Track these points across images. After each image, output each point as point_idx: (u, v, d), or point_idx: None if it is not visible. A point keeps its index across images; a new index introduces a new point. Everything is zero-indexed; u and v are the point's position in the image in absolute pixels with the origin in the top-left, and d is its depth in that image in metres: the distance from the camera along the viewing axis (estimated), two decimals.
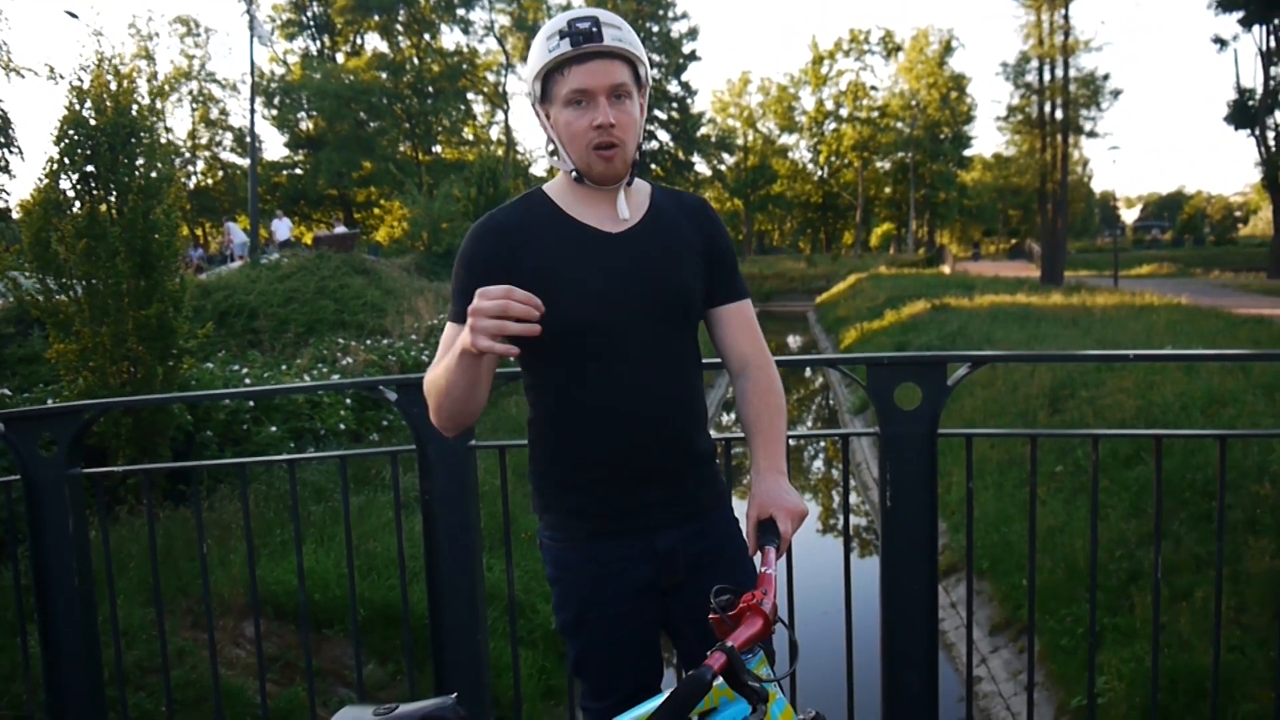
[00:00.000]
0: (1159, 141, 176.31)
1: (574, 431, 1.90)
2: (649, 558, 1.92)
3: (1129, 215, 45.16)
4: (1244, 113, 33.98)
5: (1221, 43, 34.61)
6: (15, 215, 10.80)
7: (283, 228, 29.74)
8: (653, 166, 58.35)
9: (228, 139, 49.37)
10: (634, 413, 1.86)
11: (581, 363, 1.85)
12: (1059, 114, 33.53)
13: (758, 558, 1.65)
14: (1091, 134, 35.32)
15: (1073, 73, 33.07)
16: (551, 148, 1.89)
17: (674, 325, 1.89)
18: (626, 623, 1.94)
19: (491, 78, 53.31)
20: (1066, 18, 32.31)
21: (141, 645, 5.34)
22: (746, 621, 1.40)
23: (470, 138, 53.08)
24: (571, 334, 1.82)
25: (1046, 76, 33.73)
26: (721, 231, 2.01)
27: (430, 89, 49.15)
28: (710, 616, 1.44)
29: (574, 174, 1.86)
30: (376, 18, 48.71)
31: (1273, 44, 34.16)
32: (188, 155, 47.26)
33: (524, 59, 52.77)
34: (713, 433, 2.13)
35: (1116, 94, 36.44)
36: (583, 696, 2.05)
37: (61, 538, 3.14)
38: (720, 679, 1.30)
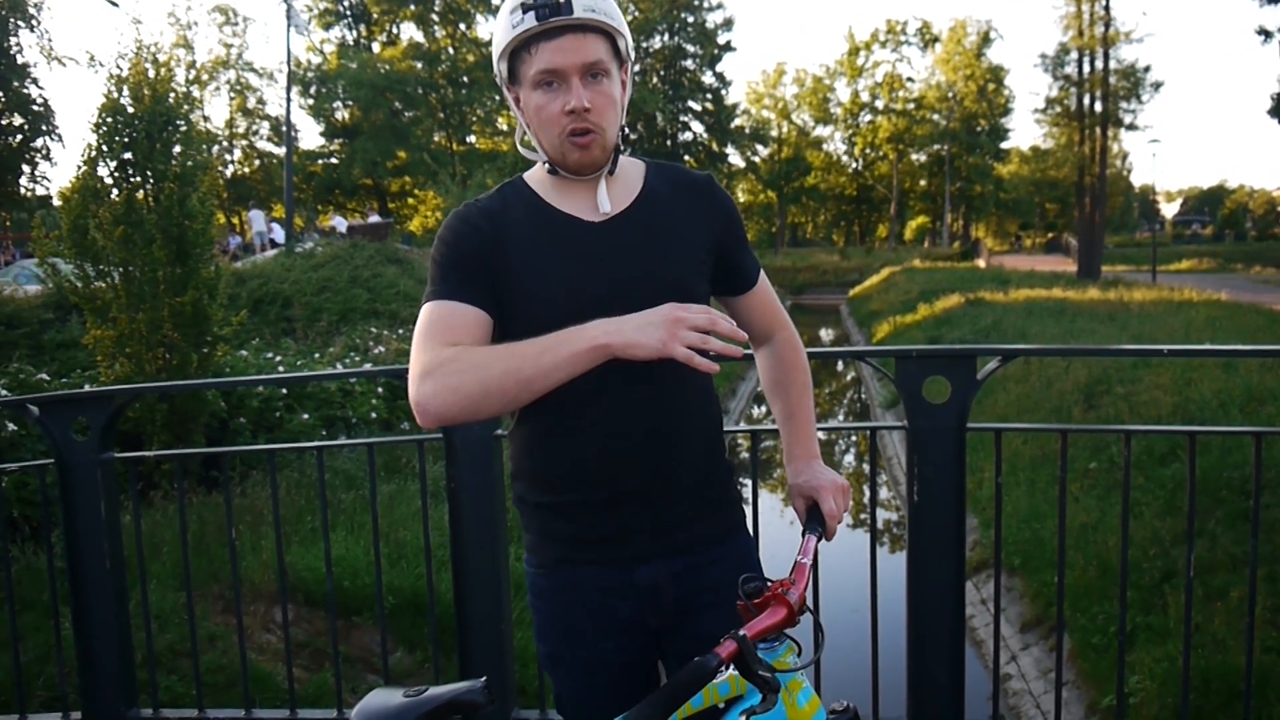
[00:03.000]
0: (1200, 135, 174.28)
1: (543, 446, 1.70)
2: (629, 592, 1.69)
3: (1169, 209, 44.64)
4: None
5: (1266, 34, 33.96)
6: (55, 202, 10.96)
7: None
8: (686, 158, 58.22)
9: (264, 128, 49.70)
10: (611, 426, 1.63)
11: None
12: (1098, 106, 33.16)
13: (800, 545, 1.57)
14: (1131, 127, 34.87)
15: (1113, 64, 32.72)
16: (525, 135, 1.68)
17: None
18: (606, 664, 1.72)
19: None
20: (1107, 8, 31.97)
21: (173, 629, 5.40)
22: (769, 611, 1.38)
23: (504, 128, 53.00)
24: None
25: (1086, 68, 33.39)
26: (731, 210, 1.77)
27: (465, 79, 49.19)
28: (737, 604, 1.41)
29: (547, 165, 1.65)
30: (412, 7, 48.83)
31: None
32: (225, 144, 47.66)
33: None
34: (742, 425, 1.99)
35: (1157, 86, 35.94)
36: None
37: (94, 522, 3.17)
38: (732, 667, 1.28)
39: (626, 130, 1.70)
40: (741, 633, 1.28)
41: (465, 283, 1.60)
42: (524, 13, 1.52)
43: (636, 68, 1.79)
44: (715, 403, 1.80)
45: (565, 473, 1.68)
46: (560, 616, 1.73)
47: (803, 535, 1.61)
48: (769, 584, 1.42)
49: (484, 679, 1.46)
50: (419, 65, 48.06)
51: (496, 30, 1.59)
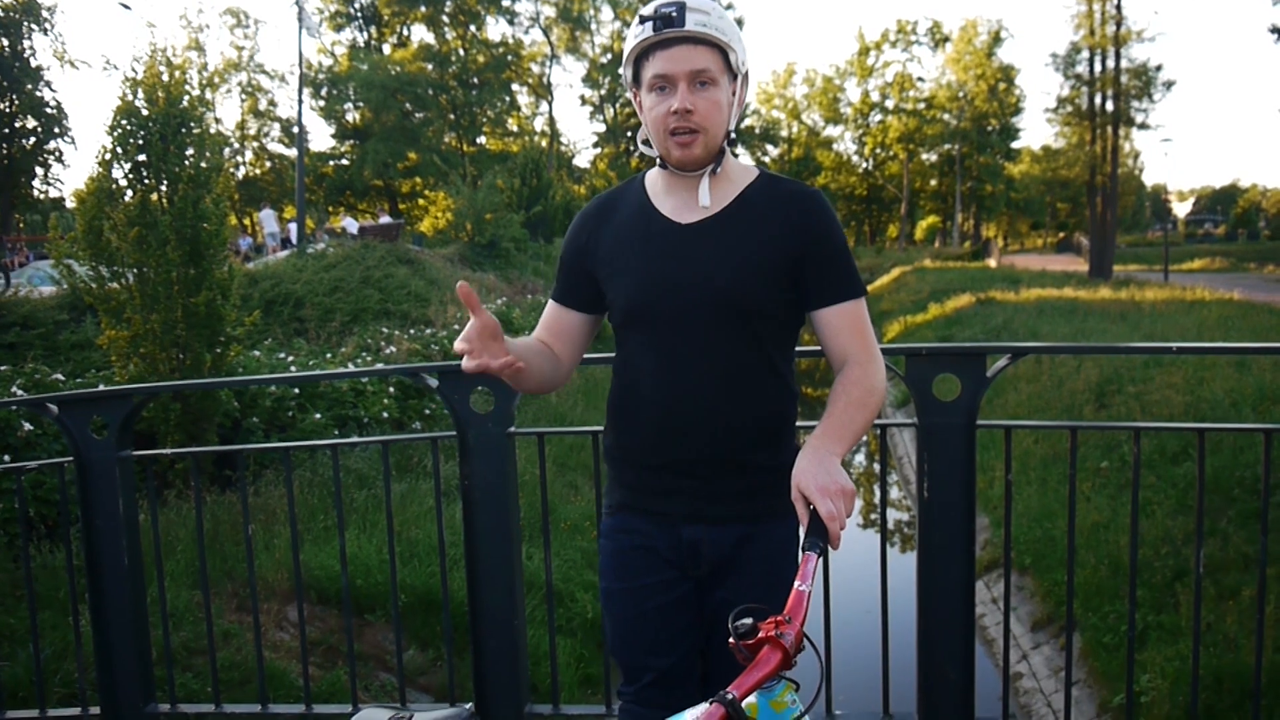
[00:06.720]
0: (1213, 134, 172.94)
1: (620, 409, 1.97)
2: (673, 541, 1.92)
3: (1181, 209, 44.38)
4: None
5: (1279, 33, 33.86)
6: (69, 204, 11.04)
7: (351, 225, 30.15)
8: None
9: (275, 129, 49.87)
10: (666, 406, 1.87)
11: (633, 347, 1.91)
12: (1110, 105, 33.05)
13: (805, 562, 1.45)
14: (1143, 126, 34.76)
15: (1124, 63, 32.59)
16: (643, 134, 1.90)
17: (729, 326, 1.83)
18: (651, 596, 1.94)
19: (536, 69, 53.39)
20: (1119, 7, 31.85)
21: (189, 627, 5.44)
22: (760, 658, 1.27)
23: (514, 129, 53.19)
24: (624, 319, 1.91)
25: (1097, 67, 33.27)
26: (825, 228, 1.86)
27: (475, 80, 49.30)
28: (729, 642, 1.31)
29: (659, 160, 1.88)
30: (423, 9, 48.91)
31: None
32: (237, 145, 47.83)
33: (569, 50, 53.15)
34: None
35: (1169, 85, 35.87)
36: (620, 683, 2.04)
37: (112, 519, 3.20)
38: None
39: (734, 135, 1.87)
40: (730, 695, 1.21)
41: (563, 284, 2.02)
42: (642, 24, 1.76)
43: None
44: (784, 395, 1.93)
45: (631, 437, 1.95)
46: (616, 552, 1.99)
47: (801, 551, 1.47)
48: (763, 620, 1.31)
49: (470, 705, 1.47)
50: (430, 67, 48.18)
51: (627, 38, 1.83)
